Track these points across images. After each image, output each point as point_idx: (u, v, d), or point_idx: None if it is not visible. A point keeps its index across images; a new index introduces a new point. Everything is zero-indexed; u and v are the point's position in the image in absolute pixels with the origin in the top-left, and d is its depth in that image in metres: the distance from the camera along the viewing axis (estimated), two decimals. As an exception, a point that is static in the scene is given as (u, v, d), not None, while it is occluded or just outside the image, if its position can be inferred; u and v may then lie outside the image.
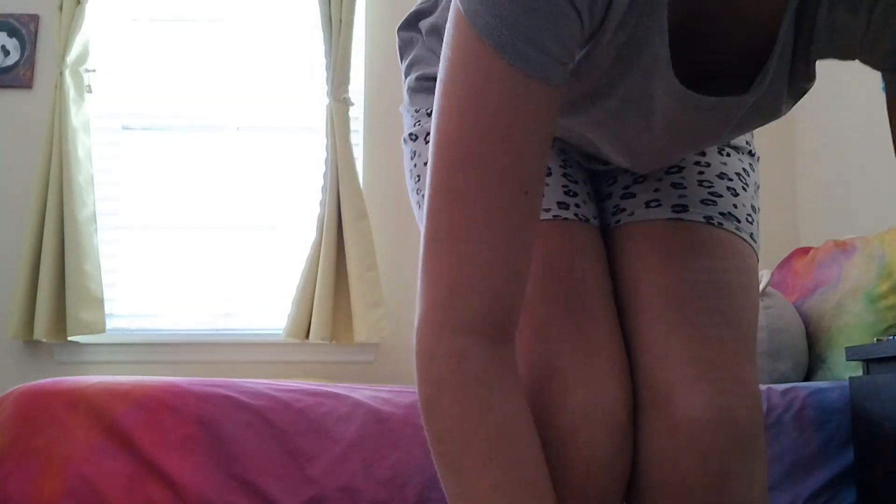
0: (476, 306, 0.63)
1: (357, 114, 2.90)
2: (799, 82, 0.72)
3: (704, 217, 0.88)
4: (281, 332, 2.73)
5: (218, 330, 2.83)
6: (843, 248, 2.22)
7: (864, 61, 0.68)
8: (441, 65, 0.63)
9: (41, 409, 1.45)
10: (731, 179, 0.92)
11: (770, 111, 0.74)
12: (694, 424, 0.74)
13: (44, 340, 2.68)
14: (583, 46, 0.63)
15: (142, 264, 2.87)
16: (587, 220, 0.88)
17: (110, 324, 2.74)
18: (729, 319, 0.82)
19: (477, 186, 0.61)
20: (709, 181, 0.91)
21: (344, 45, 2.80)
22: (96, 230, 2.74)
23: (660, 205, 0.89)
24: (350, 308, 2.70)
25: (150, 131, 2.95)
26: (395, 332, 2.73)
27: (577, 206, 0.88)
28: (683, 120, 0.72)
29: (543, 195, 0.64)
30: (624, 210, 0.91)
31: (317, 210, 2.78)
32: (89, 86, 2.83)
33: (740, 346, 0.81)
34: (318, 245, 2.73)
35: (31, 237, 2.66)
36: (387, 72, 2.90)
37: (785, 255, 2.58)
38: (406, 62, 1.00)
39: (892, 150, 0.67)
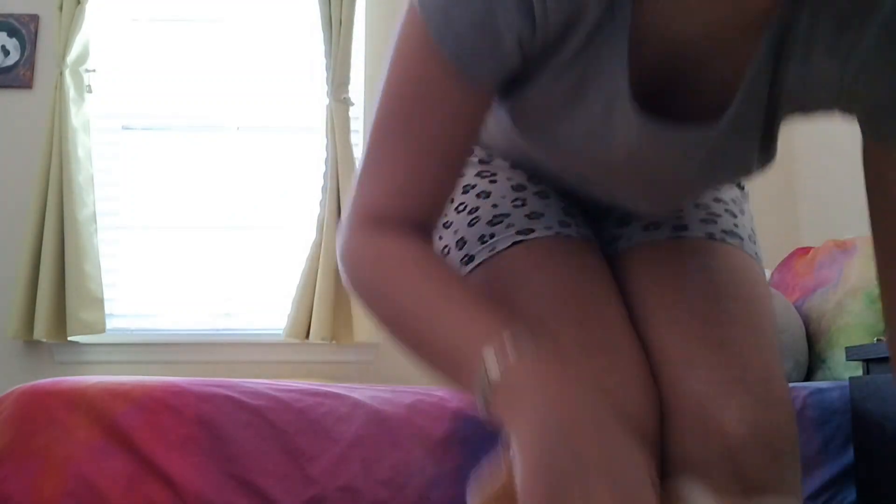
0: (404, 204, 0.69)
1: (357, 114, 2.90)
2: (769, 139, 0.71)
3: (706, 234, 0.87)
4: (281, 332, 2.73)
5: (218, 330, 2.83)
6: (843, 248, 2.22)
7: (844, 115, 0.67)
8: (395, 37, 0.69)
9: (41, 409, 1.45)
10: (727, 203, 0.92)
11: (741, 159, 0.73)
12: (729, 436, 0.71)
13: (44, 340, 2.68)
14: (540, 60, 0.66)
15: (142, 264, 2.86)
16: (589, 240, 0.88)
17: (110, 324, 2.74)
18: (752, 325, 0.79)
19: (406, 139, 0.68)
20: (705, 204, 0.91)
21: (344, 45, 2.79)
22: (96, 230, 2.73)
23: (659, 227, 0.89)
24: (350, 308, 2.70)
25: (150, 131, 2.95)
26: (395, 332, 2.72)
27: (577, 225, 0.88)
28: (643, 155, 0.71)
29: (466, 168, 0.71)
30: (621, 237, 0.90)
31: (317, 210, 2.78)
32: (89, 86, 2.83)
33: (767, 351, 0.78)
34: (318, 245, 2.73)
35: (31, 237, 2.66)
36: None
37: (785, 255, 2.58)
38: None
39: None
